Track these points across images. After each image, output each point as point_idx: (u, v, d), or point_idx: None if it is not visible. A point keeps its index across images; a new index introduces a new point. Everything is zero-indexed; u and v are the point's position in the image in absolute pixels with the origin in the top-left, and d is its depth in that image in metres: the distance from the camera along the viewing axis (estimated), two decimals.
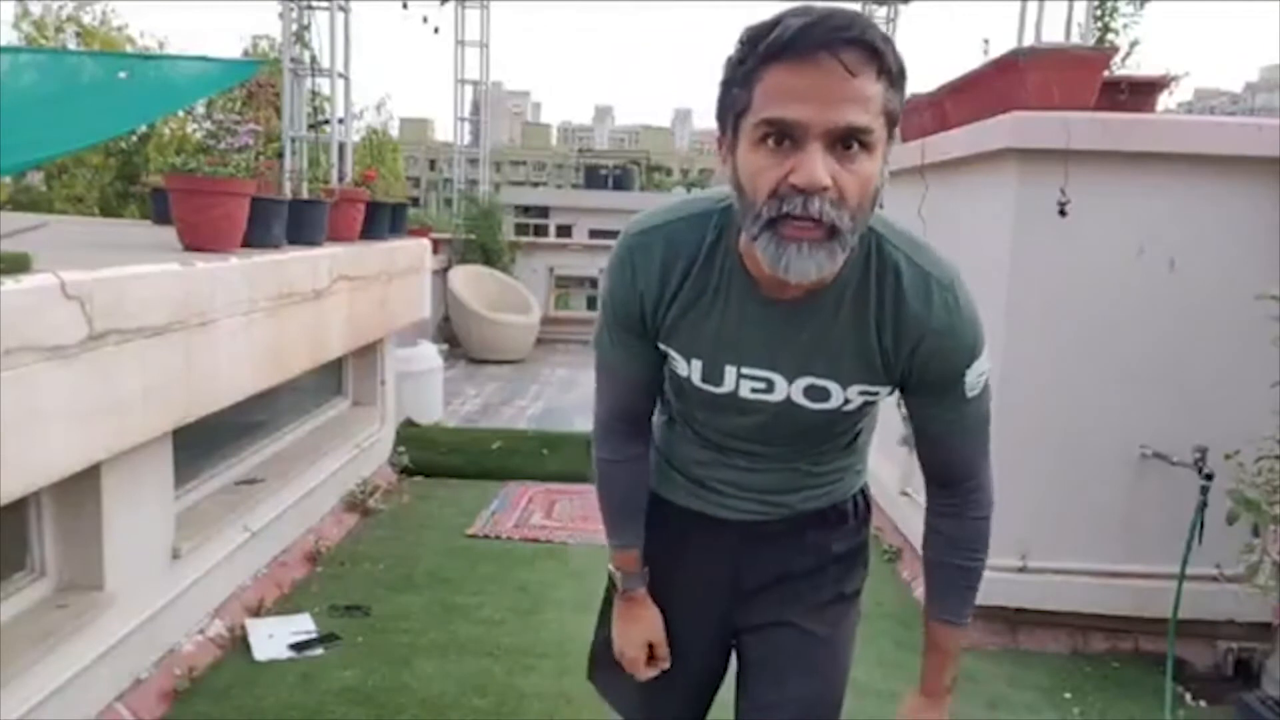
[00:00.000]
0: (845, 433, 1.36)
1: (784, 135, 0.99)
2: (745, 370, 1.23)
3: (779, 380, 1.22)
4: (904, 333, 1.17)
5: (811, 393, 1.23)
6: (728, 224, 1.18)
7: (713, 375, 1.25)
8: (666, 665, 1.46)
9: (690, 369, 1.26)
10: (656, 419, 1.47)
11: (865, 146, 1.00)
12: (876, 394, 1.25)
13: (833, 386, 1.22)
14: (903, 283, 1.16)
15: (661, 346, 1.28)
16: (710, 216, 1.20)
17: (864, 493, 1.48)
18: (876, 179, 1.03)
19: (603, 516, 1.46)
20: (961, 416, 1.26)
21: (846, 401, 1.24)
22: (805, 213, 0.99)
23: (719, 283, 1.19)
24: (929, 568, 1.37)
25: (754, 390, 1.24)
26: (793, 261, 1.02)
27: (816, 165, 0.98)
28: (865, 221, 1.05)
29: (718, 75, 1.08)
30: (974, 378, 1.23)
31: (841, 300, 1.16)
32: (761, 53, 1.00)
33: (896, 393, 1.29)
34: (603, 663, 1.52)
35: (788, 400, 1.24)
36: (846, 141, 0.99)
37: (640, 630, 1.45)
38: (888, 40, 1.00)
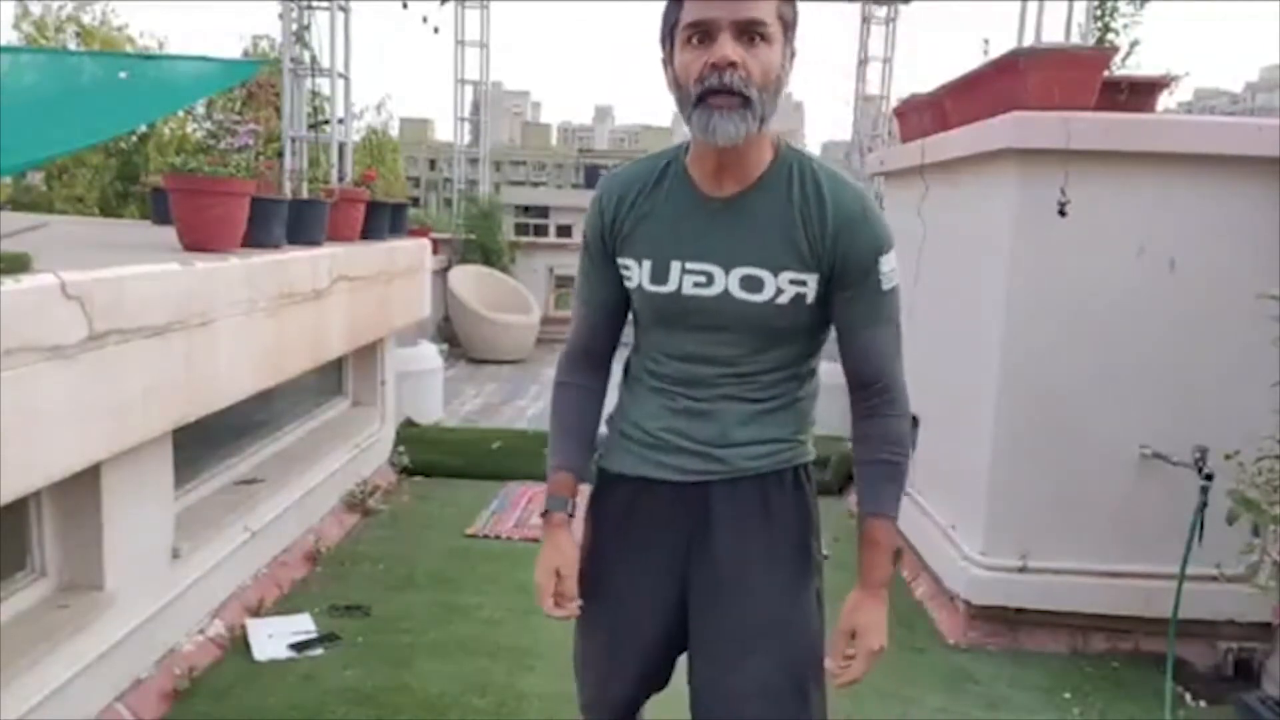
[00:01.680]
0: (782, 354, 1.46)
1: (704, 34, 1.29)
2: (688, 265, 1.41)
3: (717, 272, 1.40)
4: (825, 217, 1.38)
5: (747, 283, 1.39)
6: (680, 153, 1.46)
7: (660, 274, 1.43)
8: (574, 607, 1.54)
9: (641, 272, 1.45)
10: (620, 385, 1.61)
11: (765, 38, 1.30)
12: (804, 283, 1.39)
13: (764, 275, 1.39)
14: (821, 182, 1.40)
15: (620, 261, 1.48)
16: (670, 152, 1.49)
17: (806, 469, 1.55)
18: (777, 67, 1.32)
19: (549, 438, 1.62)
20: (876, 309, 1.42)
21: (779, 291, 1.39)
22: (723, 84, 1.28)
23: (667, 190, 1.45)
24: (860, 468, 1.49)
25: (695, 285, 1.41)
26: (717, 124, 1.29)
27: (727, 47, 1.28)
28: (772, 100, 1.32)
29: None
30: (886, 269, 1.41)
31: (767, 198, 1.40)
32: None
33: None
34: (578, 661, 1.67)
35: (726, 293, 1.40)
36: (750, 34, 1.29)
37: (552, 556, 1.54)
38: None
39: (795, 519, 1.51)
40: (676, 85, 1.34)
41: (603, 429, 1.66)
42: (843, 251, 1.38)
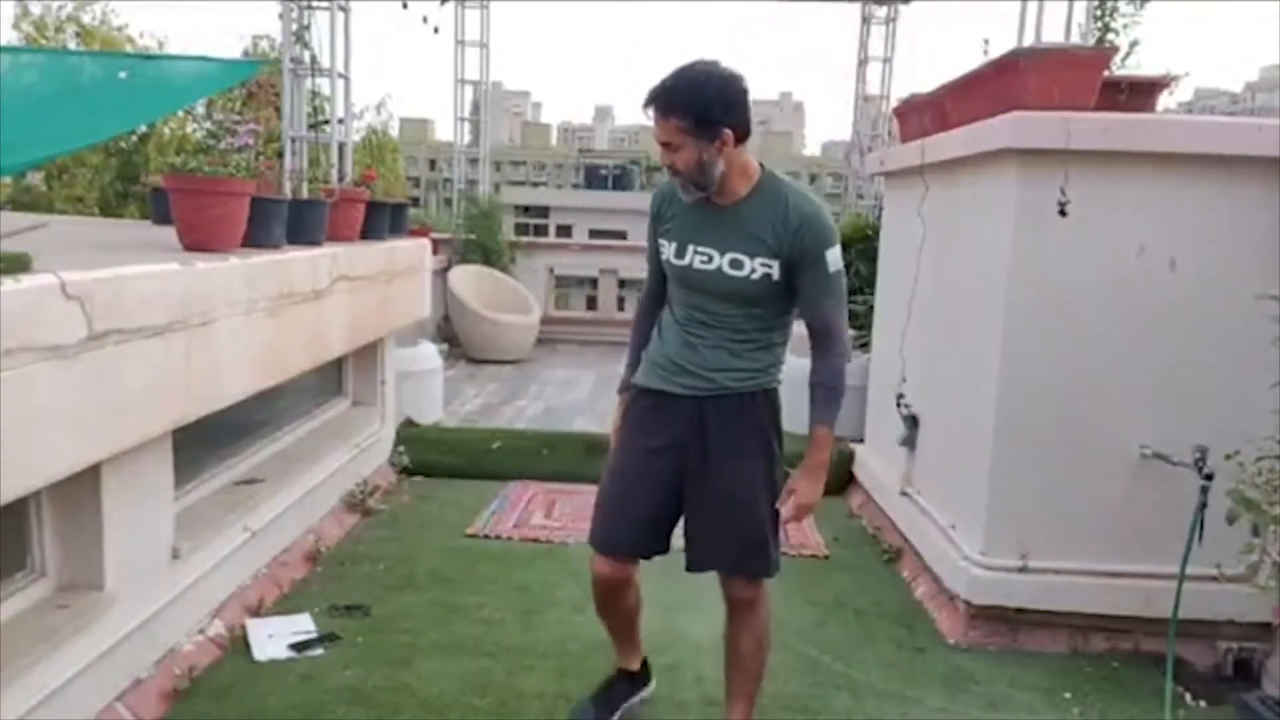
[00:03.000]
0: (756, 315, 2.22)
1: (659, 143, 2.14)
2: (698, 249, 2.21)
3: (715, 254, 2.19)
4: (789, 220, 2.13)
5: (733, 263, 2.17)
6: None
7: (681, 252, 2.24)
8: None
9: (669, 250, 2.26)
10: (654, 332, 2.40)
11: (678, 147, 2.09)
12: (770, 266, 2.15)
13: (745, 259, 2.16)
14: (789, 199, 2.16)
15: (659, 242, 2.31)
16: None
17: (772, 391, 2.31)
18: (694, 157, 2.09)
19: (630, 345, 2.48)
20: (828, 284, 2.18)
21: (753, 270, 2.16)
22: (672, 174, 2.16)
23: (693, 200, 2.21)
24: (814, 390, 2.24)
25: (701, 261, 2.20)
26: (681, 191, 2.18)
27: (662, 157, 2.15)
28: (701, 174, 2.11)
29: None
30: (832, 258, 2.16)
31: (750, 208, 2.18)
32: (643, 106, 2.12)
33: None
34: (596, 509, 2.39)
35: (719, 269, 2.18)
36: (670, 146, 2.11)
37: (620, 415, 2.46)
38: (674, 93, 2.07)
39: (761, 423, 2.27)
40: None
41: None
42: (800, 243, 2.13)
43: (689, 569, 2.33)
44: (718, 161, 2.09)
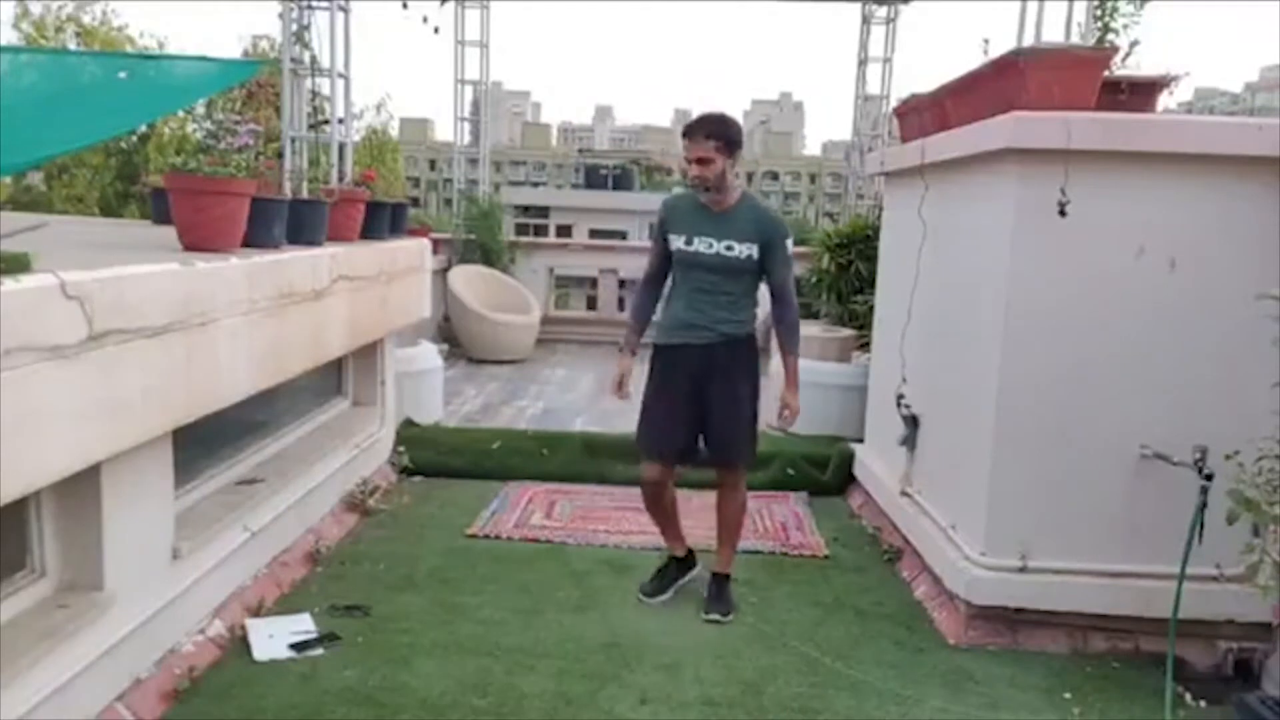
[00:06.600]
0: (739, 283, 3.26)
1: (688, 160, 3.20)
2: (701, 238, 3.23)
3: (715, 242, 3.22)
4: (761, 221, 3.25)
5: (729, 248, 3.20)
6: (699, 192, 3.26)
7: (689, 241, 3.25)
8: (630, 395, 3.44)
9: (680, 240, 3.26)
10: (663, 303, 3.41)
11: (710, 162, 3.14)
12: (752, 249, 3.19)
13: (736, 244, 3.20)
14: (759, 208, 3.32)
15: (670, 235, 3.29)
16: (694, 191, 3.30)
17: (752, 336, 3.35)
18: (719, 170, 3.14)
19: (630, 315, 3.60)
20: (783, 263, 3.27)
21: (741, 252, 3.20)
22: (693, 182, 3.23)
23: (693, 207, 3.29)
24: (781, 330, 3.36)
25: (705, 247, 3.22)
26: (701, 195, 3.24)
27: (693, 169, 3.19)
28: (719, 182, 3.16)
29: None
30: (788, 244, 3.27)
31: (737, 212, 3.24)
32: (682, 135, 3.23)
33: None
34: (641, 433, 3.40)
35: (718, 253, 3.21)
36: (701, 161, 3.15)
37: (621, 368, 3.46)
38: (711, 123, 3.17)
39: (748, 358, 3.33)
40: (685, 174, 3.27)
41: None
42: (767, 236, 3.21)
43: (710, 462, 3.39)
44: (728, 173, 3.13)
